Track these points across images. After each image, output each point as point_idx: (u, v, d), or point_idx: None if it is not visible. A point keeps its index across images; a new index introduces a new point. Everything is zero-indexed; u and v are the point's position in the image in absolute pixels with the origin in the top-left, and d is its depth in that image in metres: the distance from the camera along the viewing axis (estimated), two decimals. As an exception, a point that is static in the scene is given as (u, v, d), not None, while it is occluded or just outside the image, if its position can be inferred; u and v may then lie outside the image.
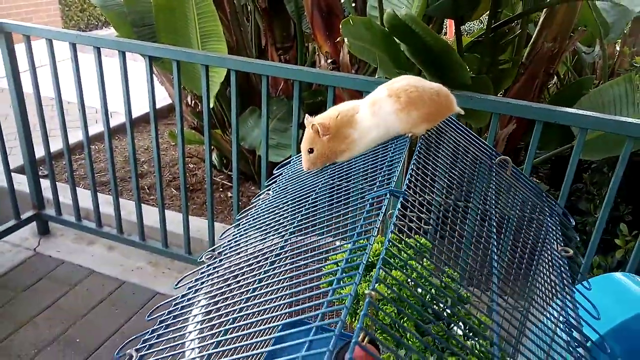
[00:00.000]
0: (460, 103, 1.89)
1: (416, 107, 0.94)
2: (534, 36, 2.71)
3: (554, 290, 0.68)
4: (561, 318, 0.62)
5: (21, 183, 3.05)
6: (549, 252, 0.78)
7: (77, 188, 2.86)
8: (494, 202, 0.78)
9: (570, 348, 0.56)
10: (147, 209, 2.85)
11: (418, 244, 0.77)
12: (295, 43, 3.53)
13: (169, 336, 0.64)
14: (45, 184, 2.96)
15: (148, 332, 0.66)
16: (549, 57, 2.66)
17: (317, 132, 0.95)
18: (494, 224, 0.73)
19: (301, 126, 2.86)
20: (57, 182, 2.90)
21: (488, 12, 2.47)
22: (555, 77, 4.10)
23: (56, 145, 3.20)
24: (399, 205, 0.58)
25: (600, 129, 1.78)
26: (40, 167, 3.12)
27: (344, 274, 0.50)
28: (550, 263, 0.74)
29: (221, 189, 3.50)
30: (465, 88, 1.96)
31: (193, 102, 3.50)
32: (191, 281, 0.77)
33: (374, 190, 0.65)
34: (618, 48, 4.07)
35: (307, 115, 1.00)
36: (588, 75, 3.34)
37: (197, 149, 3.97)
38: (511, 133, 2.83)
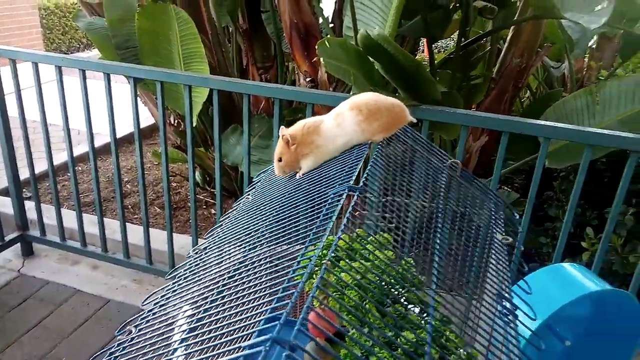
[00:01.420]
0: (432, 116, 2.00)
1: (375, 118, 1.06)
2: (502, 53, 2.85)
3: (495, 273, 0.77)
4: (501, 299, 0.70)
5: (5, 205, 3.07)
6: (494, 241, 0.87)
7: (61, 209, 2.89)
8: (443, 199, 0.87)
9: (501, 315, 0.64)
10: (131, 228, 2.90)
11: (381, 238, 0.85)
12: (276, 62, 3.63)
13: (134, 348, 0.69)
14: (29, 205, 2.99)
15: (114, 345, 0.72)
16: (518, 72, 2.79)
17: (287, 142, 1.05)
18: (445, 218, 0.82)
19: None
20: (41, 204, 2.93)
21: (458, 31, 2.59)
22: (528, 90, 4.27)
23: (40, 167, 3.24)
24: (355, 199, 0.66)
25: (562, 138, 1.89)
26: (24, 189, 3.15)
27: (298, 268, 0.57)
28: (494, 250, 0.83)
29: (204, 206, 3.55)
30: (437, 103, 2.06)
31: (176, 121, 3.57)
32: (158, 297, 0.82)
33: (335, 188, 0.73)
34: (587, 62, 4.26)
35: (282, 126, 1.10)
36: (557, 89, 3.49)
37: (179, 168, 4.03)
38: (484, 145, 2.95)
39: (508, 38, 2.81)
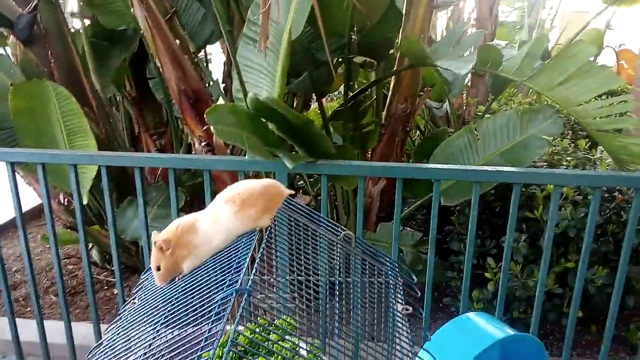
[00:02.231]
0: (329, 171, 2.04)
1: (250, 205, 1.05)
2: (388, 100, 3.00)
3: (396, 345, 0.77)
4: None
5: None
6: (391, 311, 0.88)
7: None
8: (339, 272, 0.87)
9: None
10: (23, 323, 2.62)
11: (285, 323, 0.83)
12: (169, 127, 3.56)
13: None
14: None
15: None
16: (404, 116, 2.95)
17: (161, 248, 0.99)
18: (347, 294, 0.82)
19: (183, 210, 2.85)
20: None
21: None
22: (418, 130, 4.53)
23: None
24: (244, 304, 0.64)
25: (451, 178, 2.00)
26: None
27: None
28: (392, 320, 0.84)
29: (106, 287, 3.32)
30: (332, 156, 2.11)
31: (66, 199, 3.34)
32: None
33: (223, 291, 0.71)
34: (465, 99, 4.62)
35: (154, 232, 1.03)
36: (442, 127, 3.73)
37: (75, 248, 3.76)
38: (384, 188, 3.05)
39: (391, 86, 2.97)
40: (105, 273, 3.43)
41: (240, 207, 1.04)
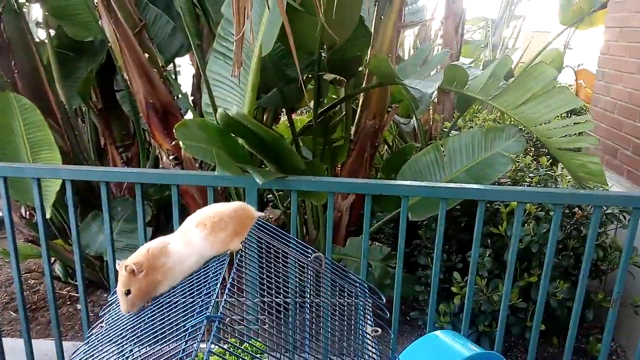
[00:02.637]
0: (299, 186, 2.05)
1: (220, 228, 1.06)
2: (357, 115, 3.04)
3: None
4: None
5: None
6: (360, 332, 0.89)
7: None
8: (309, 294, 0.88)
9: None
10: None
11: (253, 348, 0.83)
12: (136, 140, 3.51)
13: None
14: None
15: None
16: (372, 132, 2.99)
17: (132, 271, 0.97)
18: (311, 312, 0.83)
19: (149, 224, 2.80)
20: None
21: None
22: (386, 145, 4.59)
23: None
24: (214, 331, 0.64)
25: (418, 195, 2.04)
26: None
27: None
28: (361, 340, 0.86)
29: (69, 302, 3.23)
30: (302, 171, 2.12)
31: (28, 213, 3.25)
32: None
33: (193, 318, 0.71)
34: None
35: (117, 261, 1.02)
36: (410, 143, 3.79)
37: (37, 262, 3.64)
38: (353, 202, 3.08)
39: (360, 102, 3.01)
40: (68, 288, 3.34)
41: (211, 231, 1.04)
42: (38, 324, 3.02)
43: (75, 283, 3.33)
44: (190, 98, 3.49)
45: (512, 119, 2.42)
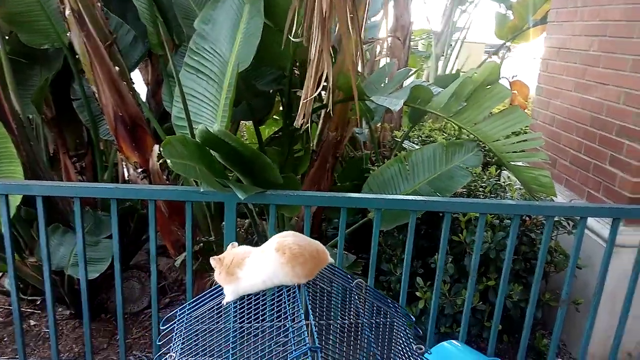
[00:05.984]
0: (278, 200, 2.12)
1: (298, 262, 1.10)
2: (319, 128, 3.14)
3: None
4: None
5: None
6: (402, 348, 1.00)
7: None
8: (361, 315, 0.97)
9: None
10: None
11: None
12: (91, 149, 3.44)
13: None
14: None
15: None
16: (335, 144, 3.10)
17: (217, 260, 1.12)
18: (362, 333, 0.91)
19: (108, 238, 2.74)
20: None
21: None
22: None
23: None
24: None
25: (391, 208, 2.17)
26: None
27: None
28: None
29: (24, 317, 3.11)
30: (278, 186, 2.19)
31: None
32: None
33: (293, 350, 0.78)
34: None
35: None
36: (366, 152, 3.94)
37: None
38: (315, 210, 3.17)
39: (322, 115, 3.11)
40: (22, 303, 3.21)
41: (288, 260, 1.09)
42: (-10, 342, 2.89)
43: (29, 298, 3.22)
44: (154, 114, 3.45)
45: (469, 134, 2.60)
